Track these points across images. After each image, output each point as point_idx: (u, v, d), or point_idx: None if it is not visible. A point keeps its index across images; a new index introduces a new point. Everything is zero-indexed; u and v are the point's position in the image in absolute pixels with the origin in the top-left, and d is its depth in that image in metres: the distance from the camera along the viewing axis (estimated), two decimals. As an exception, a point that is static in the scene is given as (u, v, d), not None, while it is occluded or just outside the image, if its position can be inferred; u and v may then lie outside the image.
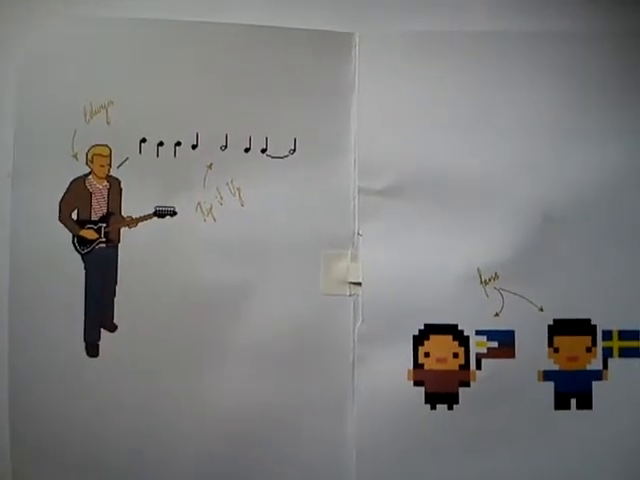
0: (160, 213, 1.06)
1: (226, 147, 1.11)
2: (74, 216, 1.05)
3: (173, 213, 1.09)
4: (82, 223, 1.05)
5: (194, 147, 1.11)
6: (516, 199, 1.05)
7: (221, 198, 1.10)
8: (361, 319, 1.03)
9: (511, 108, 1.04)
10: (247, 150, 1.11)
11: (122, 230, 1.06)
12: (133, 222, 1.05)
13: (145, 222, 1.06)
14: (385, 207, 1.10)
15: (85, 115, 1.10)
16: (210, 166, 1.11)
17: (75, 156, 1.09)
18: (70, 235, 1.05)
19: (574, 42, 1.00)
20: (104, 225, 1.06)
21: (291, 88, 1.11)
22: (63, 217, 1.05)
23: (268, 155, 1.08)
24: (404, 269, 1.08)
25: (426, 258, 1.08)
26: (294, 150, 1.12)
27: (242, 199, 1.11)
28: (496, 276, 1.04)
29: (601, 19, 1.01)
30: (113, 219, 1.05)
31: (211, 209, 1.10)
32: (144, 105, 1.07)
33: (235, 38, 1.11)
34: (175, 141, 1.11)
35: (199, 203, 1.09)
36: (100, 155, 1.06)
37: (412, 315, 1.03)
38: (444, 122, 1.09)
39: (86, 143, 1.06)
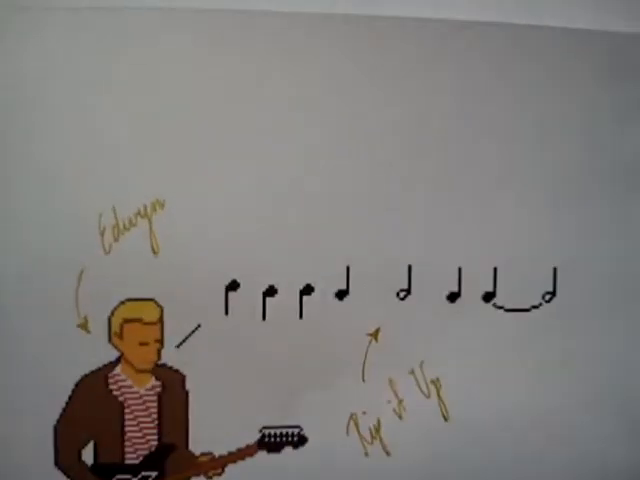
0: (272, 442, 0.53)
1: (408, 293, 0.52)
2: (88, 456, 0.52)
3: (299, 440, 0.54)
4: (106, 471, 0.53)
5: (342, 295, 0.52)
6: None
7: (400, 403, 0.52)
8: None
9: None
10: (454, 297, 0.52)
11: (192, 484, 0.53)
12: (215, 465, 0.53)
13: (241, 463, 0.53)
14: None
15: (102, 235, 0.50)
16: (375, 335, 0.52)
17: (84, 326, 0.50)
18: (80, 498, 0.54)
19: None
20: (152, 475, 0.53)
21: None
22: (64, 459, 0.53)
23: (498, 306, 0.54)
24: None
25: None
26: (552, 294, 0.53)
27: (445, 405, 0.53)
28: None
29: None
30: (174, 461, 0.52)
31: (379, 428, 0.52)
32: (228, 207, 0.52)
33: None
34: (303, 284, 0.52)
35: (353, 416, 0.54)
36: (139, 322, 0.52)
37: None
38: None
39: (106, 298, 0.52)
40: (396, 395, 0.53)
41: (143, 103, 0.50)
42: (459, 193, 0.53)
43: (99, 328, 0.51)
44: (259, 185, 0.51)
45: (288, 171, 0.52)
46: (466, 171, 0.53)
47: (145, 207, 0.51)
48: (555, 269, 0.54)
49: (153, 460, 0.52)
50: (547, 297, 0.54)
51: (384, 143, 0.52)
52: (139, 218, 0.51)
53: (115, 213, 0.50)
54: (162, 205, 0.51)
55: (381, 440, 0.54)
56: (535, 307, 0.54)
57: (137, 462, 0.52)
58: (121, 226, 0.51)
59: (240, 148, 0.51)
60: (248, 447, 0.53)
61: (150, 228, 0.51)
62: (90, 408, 0.51)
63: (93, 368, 0.51)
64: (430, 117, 0.52)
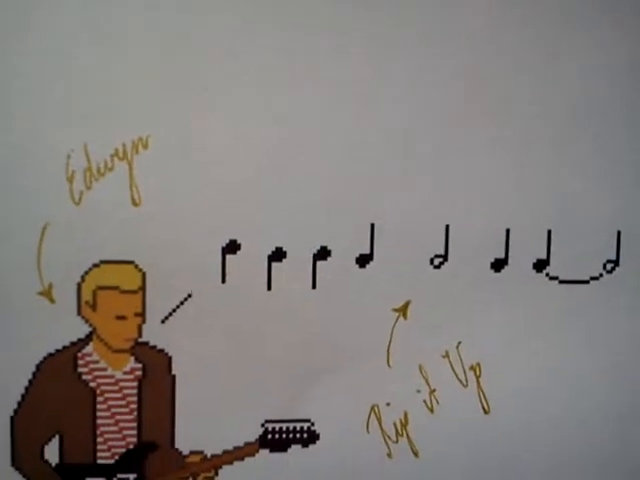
0: (276, 439, 0.44)
1: (444, 259, 0.43)
2: (52, 454, 0.43)
3: (309, 437, 0.44)
4: (74, 473, 0.43)
5: (364, 260, 0.44)
6: None
7: (432, 393, 0.44)
8: None
9: None
10: (499, 265, 0.43)
11: (178, 489, 0.45)
12: (207, 467, 0.44)
13: (239, 464, 0.44)
14: None
15: (70, 181, 0.41)
16: (404, 310, 0.43)
17: (48, 294, 0.41)
18: (41, 506, 0.45)
19: None
20: (130, 478, 0.43)
21: None
22: (23, 458, 0.43)
23: (552, 276, 0.46)
24: None
25: None
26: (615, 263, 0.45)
27: (486, 395, 0.45)
28: None
29: None
30: (157, 461, 0.43)
31: (406, 423, 0.44)
32: (227, 148, 0.43)
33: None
34: (317, 247, 0.43)
35: (375, 408, 0.45)
36: (116, 291, 0.42)
37: None
38: None
39: (76, 259, 0.42)
40: (427, 383, 0.44)
41: (122, 18, 0.41)
42: (507, 142, 0.44)
43: (66, 297, 0.41)
44: (267, 122, 0.42)
45: (304, 107, 0.42)
46: (516, 119, 0.44)
47: (124, 146, 0.41)
48: (619, 233, 0.45)
49: (131, 460, 0.42)
50: (609, 267, 0.45)
51: (421, 84, 0.43)
52: (117, 160, 0.41)
53: (87, 153, 0.41)
54: (145, 144, 0.41)
55: (408, 438, 0.45)
56: (595, 278, 0.45)
57: (111, 462, 0.43)
58: (94, 170, 0.41)
59: (245, 75, 0.42)
60: (247, 445, 0.44)
61: (130, 173, 0.41)
62: (55, 396, 0.42)
63: (58, 346, 0.42)
64: (474, 64, 0.44)
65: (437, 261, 0.44)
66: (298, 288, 0.43)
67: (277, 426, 0.44)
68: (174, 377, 0.43)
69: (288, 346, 0.43)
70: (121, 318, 0.42)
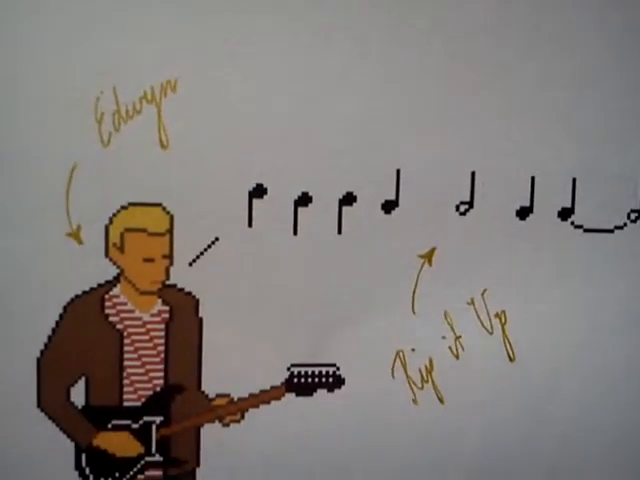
0: (302, 383, 0.44)
1: (470, 206, 0.43)
2: (78, 396, 0.43)
3: (335, 381, 0.45)
4: (100, 415, 0.43)
5: (390, 207, 0.44)
6: None
7: (457, 339, 0.44)
8: None
9: None
10: (525, 213, 0.43)
11: (206, 431, 0.44)
12: (233, 410, 0.44)
13: (265, 407, 0.44)
14: None
15: (99, 123, 0.41)
16: (429, 257, 0.43)
17: (76, 236, 0.41)
18: (70, 447, 0.44)
19: None
20: (156, 420, 0.43)
21: None
22: (49, 399, 0.43)
23: (576, 225, 0.46)
24: None
25: None
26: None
27: (511, 342, 0.45)
28: None
29: None
30: (183, 404, 0.43)
31: (431, 369, 0.44)
32: (255, 91, 0.43)
33: None
34: (343, 192, 0.43)
35: (400, 353, 0.45)
36: (143, 233, 0.43)
37: None
38: None
39: (104, 201, 0.42)
40: (452, 330, 0.44)
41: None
42: (532, 90, 0.44)
43: (94, 239, 0.41)
44: (294, 66, 0.42)
45: (331, 54, 0.42)
46: (542, 66, 0.44)
47: (153, 89, 0.41)
48: (643, 183, 0.46)
49: (158, 402, 0.43)
50: (633, 216, 0.45)
51: (448, 32, 0.43)
52: (145, 103, 0.41)
53: (116, 96, 0.41)
54: (174, 87, 0.41)
55: (433, 384, 0.45)
56: (619, 228, 0.45)
57: (138, 404, 0.43)
58: (123, 112, 0.41)
59: (274, 23, 0.41)
60: (274, 389, 0.44)
61: (158, 116, 0.41)
62: (82, 337, 0.42)
63: (86, 288, 0.42)
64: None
65: (463, 208, 0.44)
66: (324, 233, 0.43)
67: (303, 370, 0.44)
68: (201, 320, 0.43)
69: (314, 291, 0.43)
70: (149, 260, 0.42)
